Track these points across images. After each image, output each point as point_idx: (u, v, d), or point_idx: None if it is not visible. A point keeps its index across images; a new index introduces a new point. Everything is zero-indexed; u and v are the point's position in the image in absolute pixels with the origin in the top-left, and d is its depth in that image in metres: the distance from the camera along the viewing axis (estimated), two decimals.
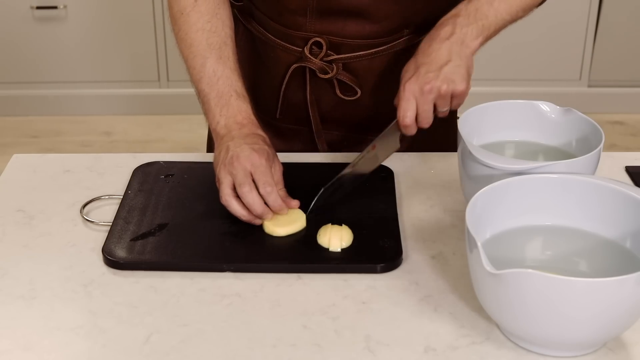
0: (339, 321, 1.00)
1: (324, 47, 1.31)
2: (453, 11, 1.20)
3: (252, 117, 1.23)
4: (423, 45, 1.19)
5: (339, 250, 1.10)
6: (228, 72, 1.25)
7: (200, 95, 1.26)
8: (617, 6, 3.20)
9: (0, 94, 3.32)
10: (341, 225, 1.13)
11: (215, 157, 1.20)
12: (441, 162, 1.34)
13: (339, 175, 1.20)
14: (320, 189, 1.18)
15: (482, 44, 1.20)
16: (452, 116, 1.47)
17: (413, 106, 1.15)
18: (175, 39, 1.30)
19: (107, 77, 3.30)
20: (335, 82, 1.34)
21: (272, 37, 1.34)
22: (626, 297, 0.87)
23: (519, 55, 3.24)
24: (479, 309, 1.00)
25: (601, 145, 1.11)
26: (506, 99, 1.24)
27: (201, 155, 1.36)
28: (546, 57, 3.26)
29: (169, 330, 0.98)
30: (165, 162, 1.31)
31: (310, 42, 1.31)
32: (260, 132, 1.22)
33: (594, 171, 1.12)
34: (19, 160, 1.34)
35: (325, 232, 1.12)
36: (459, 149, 1.15)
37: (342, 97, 1.35)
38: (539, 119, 1.22)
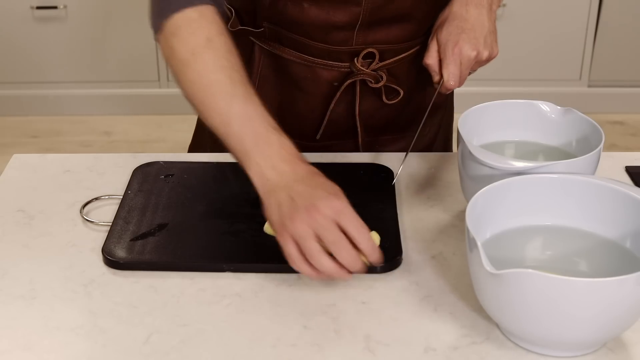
0: (339, 321, 1.00)
1: (377, 57, 1.29)
2: None
3: (294, 149, 1.09)
4: (459, 9, 1.25)
5: None
6: (259, 110, 1.10)
7: (228, 138, 1.09)
8: (617, 6, 3.20)
9: (0, 94, 3.32)
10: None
11: (270, 208, 1.03)
12: (441, 162, 1.34)
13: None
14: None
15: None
16: (451, 116, 1.48)
17: (459, 70, 1.23)
18: (181, 86, 1.13)
19: (107, 77, 3.30)
20: (382, 88, 1.33)
21: (311, 58, 1.30)
22: (626, 297, 0.87)
23: (519, 55, 3.23)
24: (479, 309, 1.00)
25: (601, 145, 1.11)
26: (506, 99, 1.24)
27: (201, 155, 1.36)
28: (546, 57, 3.26)
29: (169, 330, 0.98)
30: (165, 162, 1.30)
31: (361, 54, 1.28)
32: (312, 166, 1.07)
33: (594, 171, 1.12)
34: (19, 160, 1.34)
35: None
36: (459, 149, 1.15)
37: (387, 101, 1.34)
38: (539, 119, 1.22)
